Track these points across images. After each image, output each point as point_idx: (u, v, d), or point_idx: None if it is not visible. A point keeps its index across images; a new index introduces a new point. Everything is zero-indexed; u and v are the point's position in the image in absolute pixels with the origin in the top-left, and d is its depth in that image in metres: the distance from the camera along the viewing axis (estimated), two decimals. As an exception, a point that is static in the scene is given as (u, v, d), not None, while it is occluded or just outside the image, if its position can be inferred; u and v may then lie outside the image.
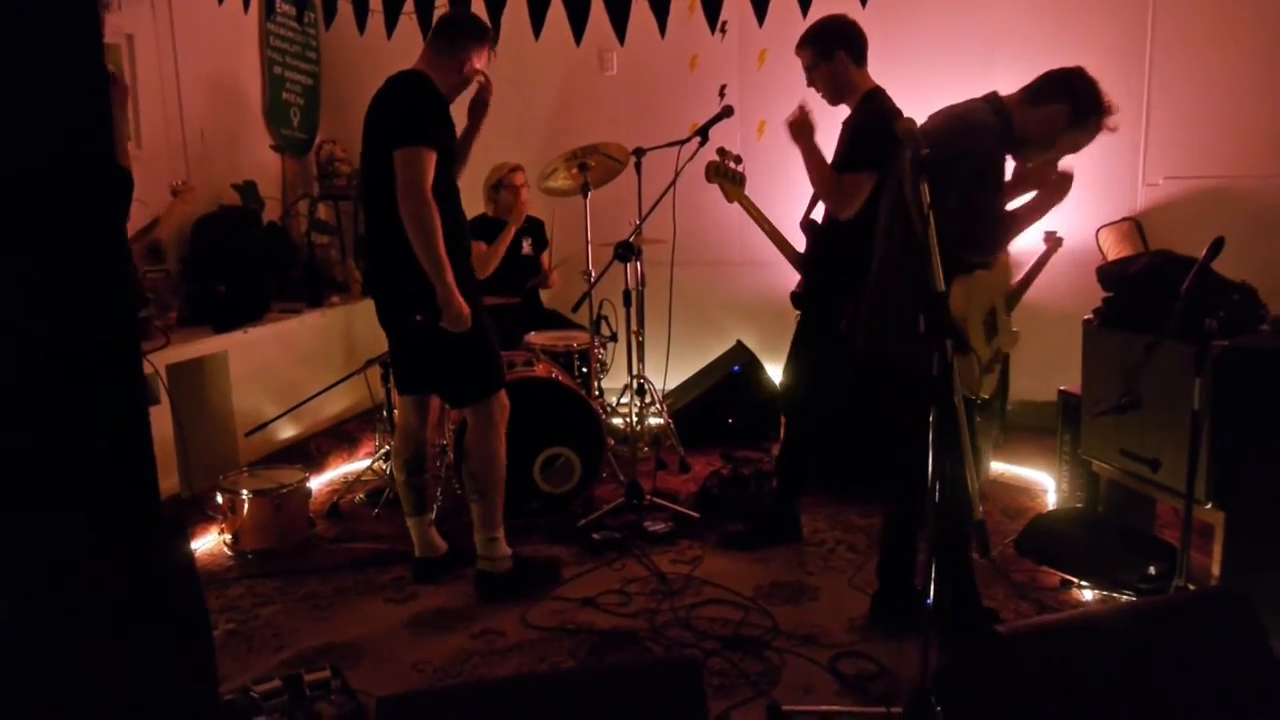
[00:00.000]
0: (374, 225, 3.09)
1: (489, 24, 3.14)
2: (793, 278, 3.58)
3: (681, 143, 3.78)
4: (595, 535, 3.61)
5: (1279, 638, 1.74)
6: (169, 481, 3.79)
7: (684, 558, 3.49)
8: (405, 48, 3.49)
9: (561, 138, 5.15)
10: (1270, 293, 2.93)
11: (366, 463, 4.43)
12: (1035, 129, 2.54)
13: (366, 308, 5.33)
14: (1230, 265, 2.60)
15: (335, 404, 4.92)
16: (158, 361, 3.55)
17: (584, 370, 4.33)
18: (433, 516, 3.44)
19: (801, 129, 3.16)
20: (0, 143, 0.99)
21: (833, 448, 3.91)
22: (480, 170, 4.56)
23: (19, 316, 0.99)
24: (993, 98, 2.61)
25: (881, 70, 3.32)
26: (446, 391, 3.23)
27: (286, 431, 4.59)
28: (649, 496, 3.84)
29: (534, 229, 4.90)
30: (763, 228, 3.52)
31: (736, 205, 3.53)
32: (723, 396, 4.91)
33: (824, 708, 2.49)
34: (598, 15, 3.20)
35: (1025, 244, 3.69)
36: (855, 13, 3.25)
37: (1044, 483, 4.19)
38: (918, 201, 2.15)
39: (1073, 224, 4.88)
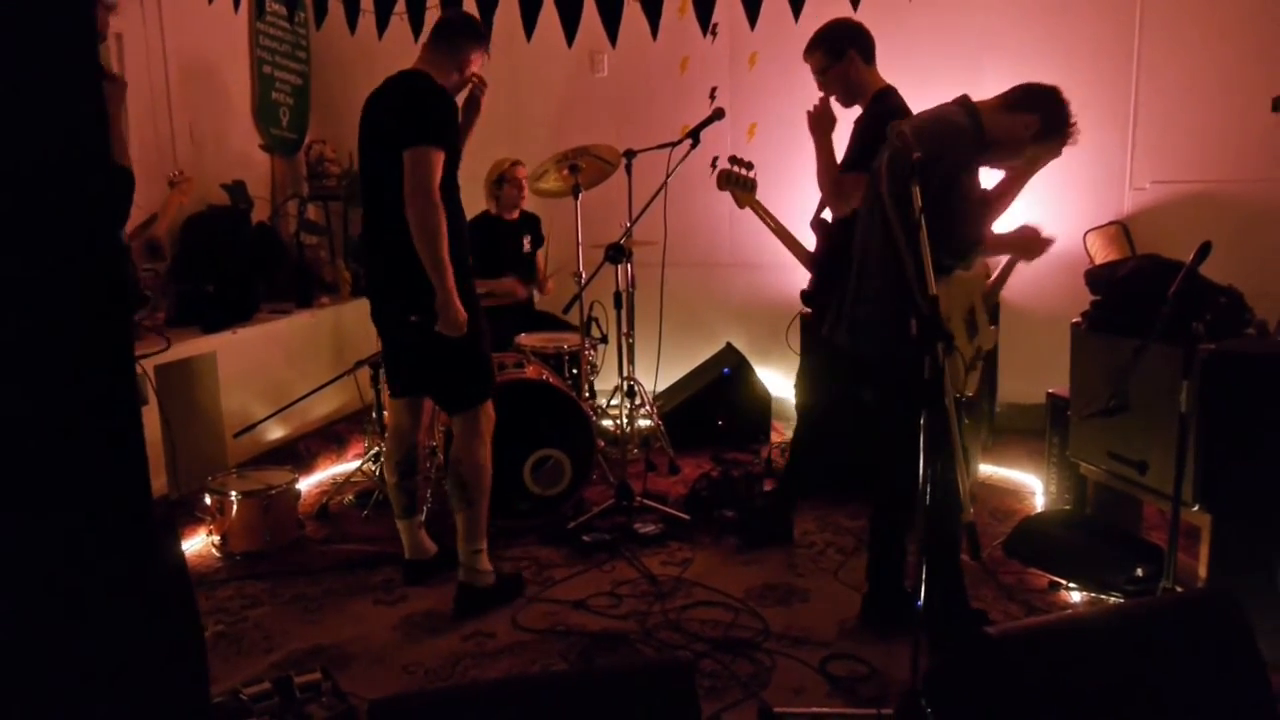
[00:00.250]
0: (374, 225, 3.07)
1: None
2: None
3: (673, 145, 3.79)
4: (585, 537, 3.61)
5: (1266, 639, 1.75)
6: (157, 482, 3.77)
7: (674, 559, 3.49)
8: (396, 48, 3.48)
9: (552, 139, 5.16)
10: (1255, 296, 2.96)
11: (356, 464, 4.41)
12: (1004, 134, 2.59)
13: (355, 308, 5.37)
14: (1216, 269, 2.62)
15: (324, 405, 4.90)
16: (145, 362, 3.53)
17: (574, 372, 4.33)
18: (422, 519, 3.43)
19: (820, 121, 3.17)
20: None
21: (833, 447, 3.95)
22: (478, 166, 4.54)
23: (13, 317, 0.98)
24: (964, 100, 2.65)
25: (871, 75, 3.33)
26: (438, 395, 3.22)
27: (275, 432, 4.57)
28: (639, 498, 3.85)
29: (532, 225, 4.90)
30: (774, 230, 3.56)
31: (734, 208, 3.56)
32: (712, 398, 4.92)
33: (815, 709, 2.49)
34: (589, 17, 3.20)
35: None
36: (847, 15, 3.26)
37: (1032, 485, 4.22)
38: (904, 203, 2.16)
39: (1060, 227, 4.88)
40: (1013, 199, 2.75)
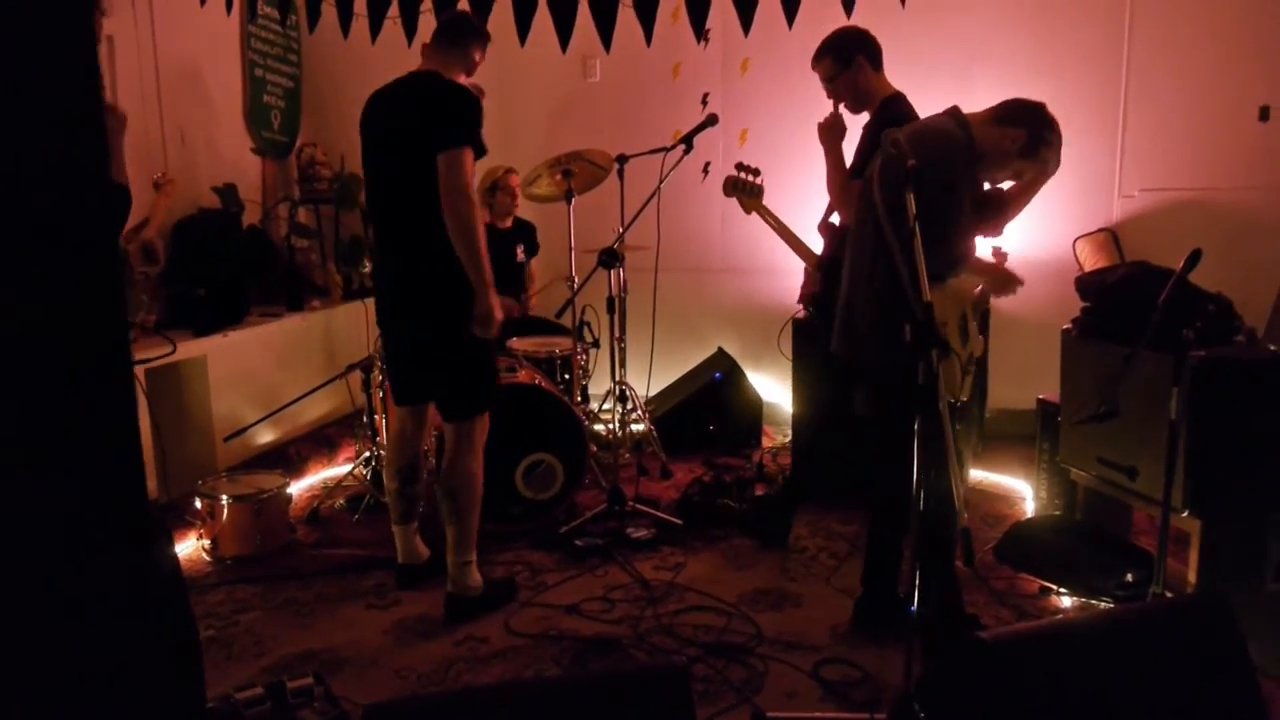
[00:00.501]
0: (393, 228, 3.04)
1: None
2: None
3: (665, 150, 3.80)
4: (578, 541, 3.61)
5: (1256, 644, 1.76)
6: (147, 486, 3.75)
7: (666, 564, 3.49)
8: (387, 53, 3.48)
9: (545, 144, 5.16)
10: (1244, 303, 2.99)
11: (347, 468, 4.40)
12: (993, 146, 2.62)
13: (346, 312, 5.36)
14: (1205, 276, 2.64)
15: (315, 409, 4.88)
16: (136, 366, 3.52)
17: (567, 376, 4.33)
18: (417, 524, 3.42)
19: (830, 130, 3.18)
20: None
21: (832, 454, 3.97)
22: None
23: (12, 327, 0.98)
24: (955, 111, 2.67)
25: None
26: (444, 402, 3.13)
27: (266, 436, 4.56)
28: (631, 503, 3.85)
29: (526, 234, 4.89)
30: (780, 234, 3.58)
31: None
32: (704, 403, 4.93)
33: (807, 714, 2.50)
34: (583, 23, 3.21)
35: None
36: (839, 22, 3.28)
37: (1022, 490, 4.23)
38: (897, 211, 2.17)
39: (1050, 235, 4.94)
40: (1017, 213, 2.78)
